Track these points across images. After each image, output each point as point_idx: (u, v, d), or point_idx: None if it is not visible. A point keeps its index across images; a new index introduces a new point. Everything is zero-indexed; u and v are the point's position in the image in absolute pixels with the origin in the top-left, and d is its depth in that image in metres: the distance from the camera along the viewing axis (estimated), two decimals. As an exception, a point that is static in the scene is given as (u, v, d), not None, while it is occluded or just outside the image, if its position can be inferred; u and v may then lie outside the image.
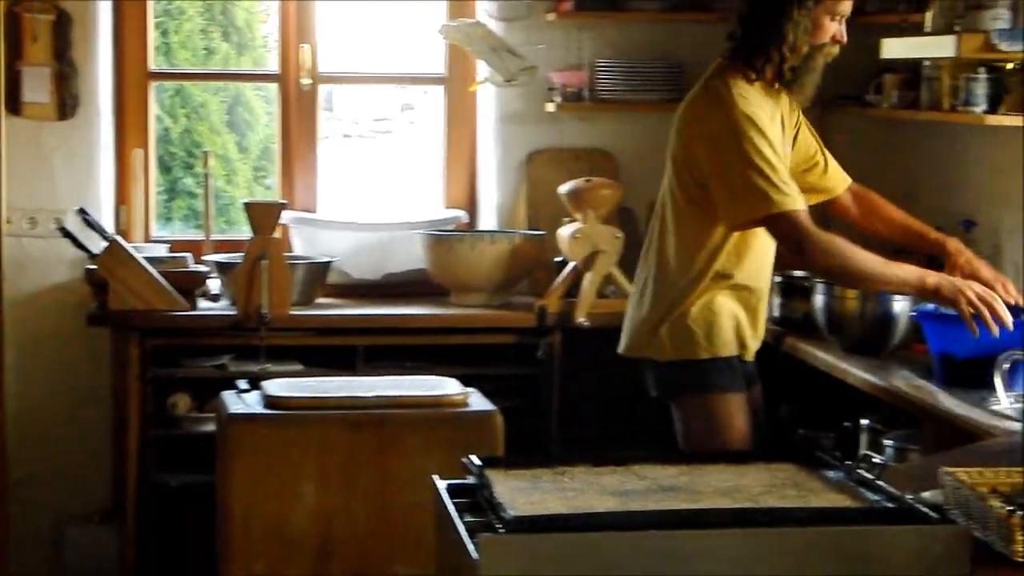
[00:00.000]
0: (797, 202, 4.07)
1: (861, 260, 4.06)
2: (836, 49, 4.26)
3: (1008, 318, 3.92)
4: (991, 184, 5.36)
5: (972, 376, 4.11)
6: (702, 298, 4.26)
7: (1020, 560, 2.54)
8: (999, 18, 3.70)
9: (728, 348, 4.29)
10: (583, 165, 6.08)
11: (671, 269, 4.30)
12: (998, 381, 3.60)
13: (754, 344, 4.39)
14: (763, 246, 4.30)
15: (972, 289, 3.99)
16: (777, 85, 4.27)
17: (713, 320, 4.26)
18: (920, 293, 4.10)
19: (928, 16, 3.99)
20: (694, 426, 4.28)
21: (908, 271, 4.08)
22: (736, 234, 4.23)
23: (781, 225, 4.07)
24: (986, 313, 3.93)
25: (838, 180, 4.57)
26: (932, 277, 4.05)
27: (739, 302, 4.30)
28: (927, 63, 5.22)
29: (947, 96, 5.10)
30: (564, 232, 5.69)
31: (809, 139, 4.51)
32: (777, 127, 4.25)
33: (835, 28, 4.23)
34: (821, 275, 4.21)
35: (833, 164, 4.56)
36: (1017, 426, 3.59)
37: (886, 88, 5.49)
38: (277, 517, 4.28)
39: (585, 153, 6.16)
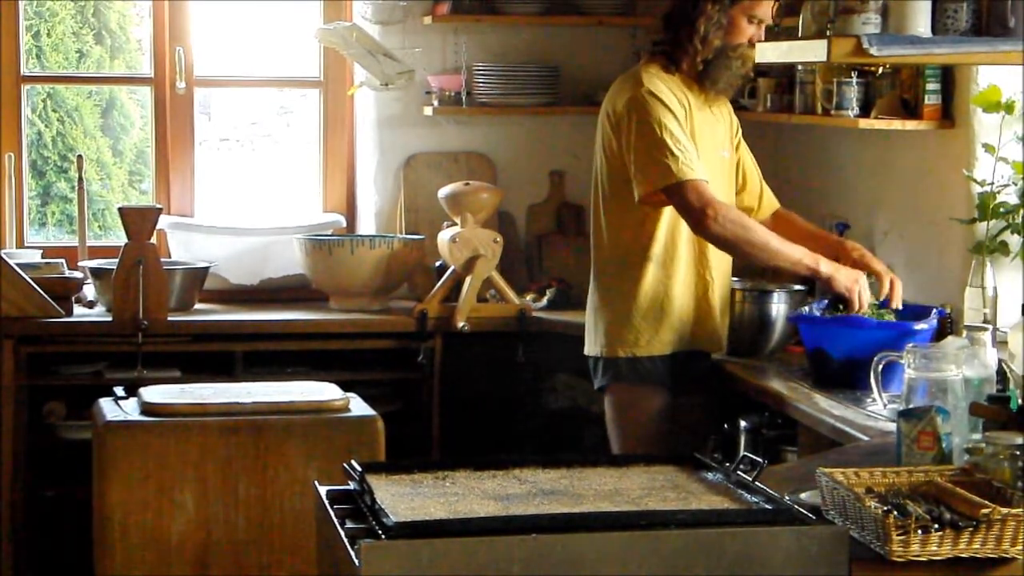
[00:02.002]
0: (699, 173, 4.23)
1: (763, 231, 4.31)
2: (754, 53, 4.36)
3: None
4: (864, 187, 5.43)
5: (847, 377, 4.18)
6: None
7: (897, 560, 2.57)
8: (869, 22, 3.73)
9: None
10: (462, 168, 6.09)
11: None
12: (874, 382, 3.64)
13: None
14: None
15: (859, 284, 4.25)
16: (696, 86, 4.43)
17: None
18: (814, 275, 4.31)
19: (800, 20, 4.03)
20: None
21: (805, 252, 4.29)
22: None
23: (686, 193, 4.22)
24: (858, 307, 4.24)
25: (766, 203, 4.76)
26: (827, 266, 4.27)
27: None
28: (800, 67, 5.29)
29: (820, 100, 5.17)
30: (443, 236, 5.68)
31: (746, 160, 4.70)
32: (688, 119, 4.37)
33: (752, 31, 4.39)
34: (723, 243, 4.25)
35: (766, 188, 4.76)
36: (892, 427, 3.63)
37: (760, 92, 5.54)
38: (155, 525, 4.23)
39: (463, 156, 6.16)
